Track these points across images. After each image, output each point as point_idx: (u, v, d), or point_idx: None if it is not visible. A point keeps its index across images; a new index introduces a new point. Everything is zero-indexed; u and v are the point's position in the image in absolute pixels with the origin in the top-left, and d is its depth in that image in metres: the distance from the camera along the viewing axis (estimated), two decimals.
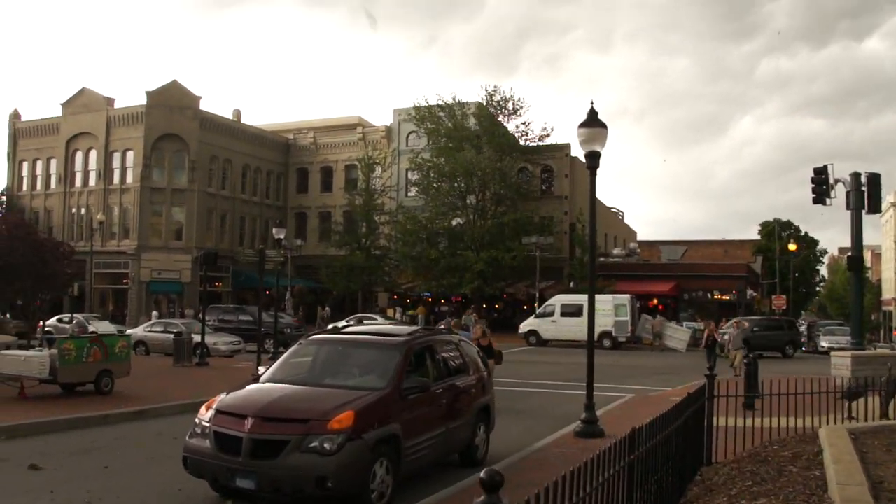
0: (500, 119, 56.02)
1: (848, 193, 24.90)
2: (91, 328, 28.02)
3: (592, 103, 13.87)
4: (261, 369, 10.74)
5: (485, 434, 11.77)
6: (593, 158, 13.79)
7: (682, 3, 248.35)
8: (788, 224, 73.26)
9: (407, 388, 9.49)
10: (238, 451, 8.41)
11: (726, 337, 26.76)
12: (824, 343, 46.79)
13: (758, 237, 77.42)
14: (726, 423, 10.50)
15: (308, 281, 61.76)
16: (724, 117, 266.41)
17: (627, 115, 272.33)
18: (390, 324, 44.73)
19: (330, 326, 43.83)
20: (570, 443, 12.89)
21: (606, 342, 41.42)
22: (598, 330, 38.40)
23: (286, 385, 9.62)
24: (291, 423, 8.50)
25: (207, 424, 8.90)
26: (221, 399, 9.29)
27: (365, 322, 45.67)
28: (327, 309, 52.94)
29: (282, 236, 30.28)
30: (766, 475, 7.71)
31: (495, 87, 58.71)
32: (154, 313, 49.39)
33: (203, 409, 9.26)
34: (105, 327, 35.10)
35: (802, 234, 78.15)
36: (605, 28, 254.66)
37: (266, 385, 9.78)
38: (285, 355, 10.83)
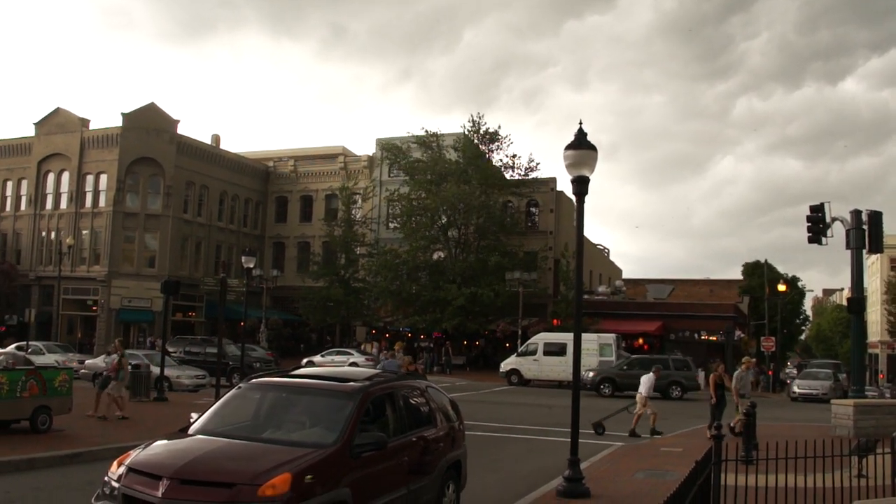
0: (483, 151, 54.82)
1: (848, 232, 23.66)
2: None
3: (581, 124, 12.44)
4: (193, 416, 9.12)
5: (454, 493, 10.25)
6: (581, 184, 12.38)
7: (655, 41, 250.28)
8: (769, 266, 72.29)
9: (360, 444, 7.96)
10: None
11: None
12: (796, 389, 42.33)
13: (741, 277, 76.35)
14: (735, 481, 9.19)
15: (284, 313, 60.12)
16: (703, 156, 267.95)
17: (606, 151, 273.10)
18: (367, 360, 43.28)
19: (305, 361, 42.61)
20: None
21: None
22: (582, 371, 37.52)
23: (216, 438, 8.02)
24: (214, 487, 6.96)
25: (116, 485, 7.34)
26: (136, 454, 7.74)
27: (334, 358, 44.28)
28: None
29: (251, 265, 28.69)
30: None
31: (480, 114, 57.77)
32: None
33: (114, 464, 7.69)
34: (44, 359, 33.11)
35: (786, 275, 77.03)
36: (581, 64, 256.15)
37: (191, 438, 8.18)
38: (221, 401, 9.22)
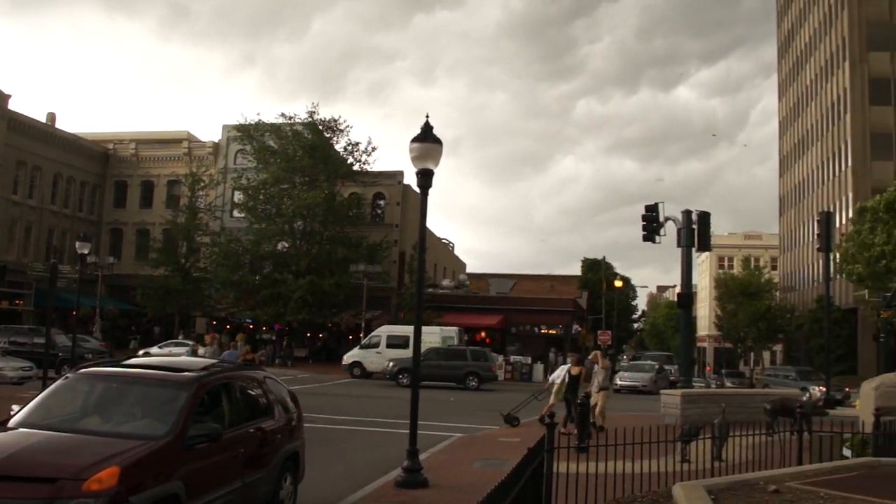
0: (328, 138, 54.35)
1: (679, 231, 25.01)
2: None
3: (427, 117, 12.76)
4: (14, 408, 8.64)
5: (292, 486, 10.16)
6: (426, 177, 12.60)
7: (502, 39, 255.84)
8: (607, 264, 75.36)
9: (193, 435, 7.75)
10: None
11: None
12: (619, 381, 41.73)
13: (581, 273, 79.17)
14: (567, 469, 9.48)
15: (121, 302, 57.87)
16: (545, 154, 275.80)
17: (451, 147, 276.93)
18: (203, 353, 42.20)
19: (142, 352, 41.17)
20: (390, 495, 11.46)
21: None
22: None
23: (39, 431, 7.61)
24: (35, 483, 6.60)
25: None
26: None
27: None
28: None
29: (86, 251, 27.46)
30: None
31: (316, 104, 57.89)
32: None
33: None
34: None
35: (620, 273, 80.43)
36: (429, 58, 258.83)
37: (11, 431, 7.72)
38: (46, 392, 8.77)
